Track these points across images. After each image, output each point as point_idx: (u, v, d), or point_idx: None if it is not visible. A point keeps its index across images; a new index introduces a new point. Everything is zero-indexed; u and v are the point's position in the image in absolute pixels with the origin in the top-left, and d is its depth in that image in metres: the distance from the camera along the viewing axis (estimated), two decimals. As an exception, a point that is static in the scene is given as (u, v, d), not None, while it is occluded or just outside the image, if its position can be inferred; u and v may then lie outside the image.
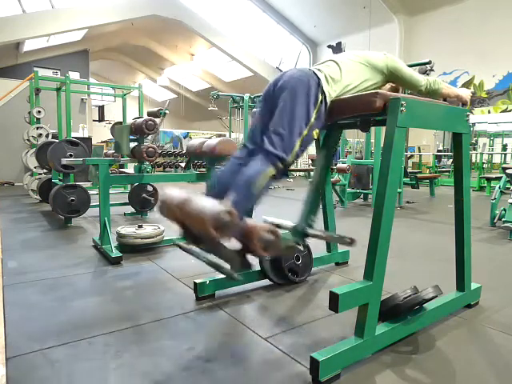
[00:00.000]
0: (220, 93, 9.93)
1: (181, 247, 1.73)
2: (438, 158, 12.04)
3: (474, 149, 10.32)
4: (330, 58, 1.81)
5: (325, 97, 1.62)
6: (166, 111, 7.57)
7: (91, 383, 1.32)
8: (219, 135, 15.19)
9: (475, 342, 1.63)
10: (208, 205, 1.36)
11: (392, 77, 1.82)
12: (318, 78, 1.62)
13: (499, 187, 4.14)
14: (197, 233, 1.43)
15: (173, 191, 1.48)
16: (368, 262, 1.44)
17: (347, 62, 1.76)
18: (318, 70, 1.68)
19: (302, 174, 12.70)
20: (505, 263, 2.86)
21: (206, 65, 21.18)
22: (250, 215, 1.84)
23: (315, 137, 1.62)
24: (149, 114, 4.11)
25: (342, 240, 1.94)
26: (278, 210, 5.52)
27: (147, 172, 4.73)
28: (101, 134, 15.40)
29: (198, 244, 1.54)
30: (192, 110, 25.24)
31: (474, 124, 10.90)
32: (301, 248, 2.36)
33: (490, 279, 2.37)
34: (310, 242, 2.43)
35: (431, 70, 4.60)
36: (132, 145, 3.39)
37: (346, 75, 1.69)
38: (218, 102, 10.50)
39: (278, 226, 2.03)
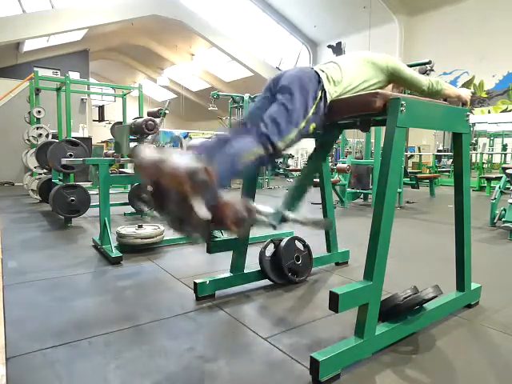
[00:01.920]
0: (220, 93, 9.93)
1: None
2: (438, 157, 12.03)
3: (474, 149, 10.32)
4: (331, 60, 1.81)
5: (325, 94, 1.62)
6: (166, 111, 7.56)
7: (91, 383, 1.32)
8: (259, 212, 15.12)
9: (475, 342, 1.63)
10: (186, 160, 1.27)
11: (393, 77, 1.83)
12: (319, 76, 1.63)
13: (499, 187, 4.14)
14: (169, 193, 1.30)
15: (150, 150, 1.36)
16: (368, 262, 1.44)
17: (348, 63, 1.76)
18: (321, 70, 1.68)
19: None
20: (505, 263, 2.86)
21: (205, 65, 21.18)
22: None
23: (311, 131, 1.60)
24: (149, 114, 4.11)
25: (318, 223, 1.91)
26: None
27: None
28: (101, 134, 15.39)
29: (166, 208, 1.38)
30: (192, 110, 25.24)
31: (474, 124, 10.90)
32: (301, 249, 2.36)
33: (490, 279, 2.37)
34: (310, 242, 2.43)
35: (431, 69, 4.60)
36: (132, 145, 3.39)
37: (347, 76, 1.70)
38: (218, 102, 10.49)
39: (259, 211, 1.87)
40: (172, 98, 24.19)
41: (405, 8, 14.57)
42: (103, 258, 2.84)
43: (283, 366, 1.42)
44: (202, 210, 1.26)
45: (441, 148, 14.10)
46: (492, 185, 7.12)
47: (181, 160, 1.26)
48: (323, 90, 1.61)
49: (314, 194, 6.16)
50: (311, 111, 1.57)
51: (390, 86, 1.98)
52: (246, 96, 8.99)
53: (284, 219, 2.03)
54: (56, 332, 1.66)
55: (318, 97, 1.60)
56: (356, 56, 1.81)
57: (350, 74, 1.71)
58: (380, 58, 1.80)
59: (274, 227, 2.06)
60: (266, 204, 1.81)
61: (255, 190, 2.14)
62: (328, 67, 1.72)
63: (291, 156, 12.62)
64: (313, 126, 1.59)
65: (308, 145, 6.01)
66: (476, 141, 11.09)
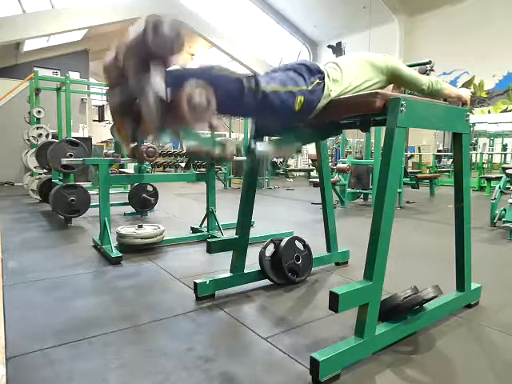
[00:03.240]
0: (220, 93, 9.90)
1: None
2: (438, 157, 12.04)
3: (474, 149, 10.32)
4: (331, 60, 1.82)
5: (323, 87, 1.61)
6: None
7: (91, 383, 1.32)
8: (219, 135, 15.18)
9: (475, 342, 1.63)
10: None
11: (392, 77, 1.83)
12: (322, 71, 1.63)
13: (499, 187, 4.14)
14: (129, 62, 1.17)
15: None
16: (368, 262, 1.44)
17: (347, 63, 1.76)
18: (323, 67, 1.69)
19: (301, 174, 12.70)
20: (505, 263, 2.86)
21: (203, 62, 21.17)
22: (250, 216, 1.79)
23: (297, 105, 1.51)
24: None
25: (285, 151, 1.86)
26: (278, 210, 5.52)
27: (147, 172, 4.73)
28: (101, 134, 15.38)
29: (120, 85, 1.23)
30: (192, 110, 25.20)
31: (474, 124, 10.90)
32: (302, 249, 2.36)
33: (490, 279, 2.37)
34: (310, 242, 2.43)
35: (431, 69, 4.60)
36: (132, 145, 3.38)
37: (346, 76, 1.70)
38: (218, 102, 10.47)
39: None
40: (172, 98, 24.14)
41: (405, 8, 14.58)
42: (103, 257, 2.84)
43: (283, 366, 1.42)
44: (158, 84, 1.13)
45: (441, 148, 14.11)
46: (492, 185, 7.12)
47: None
48: (323, 81, 1.61)
49: (314, 194, 6.17)
50: (305, 86, 1.54)
51: (391, 87, 1.98)
52: (246, 96, 8.97)
53: (252, 149, 1.89)
54: (56, 332, 1.66)
55: (316, 82, 1.58)
56: (355, 57, 1.81)
57: (349, 74, 1.71)
58: (379, 59, 1.80)
59: (236, 154, 1.98)
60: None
61: (255, 190, 2.14)
62: (327, 67, 1.72)
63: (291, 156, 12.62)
64: (300, 98, 1.51)
65: (308, 145, 6.01)
66: (476, 141, 11.08)
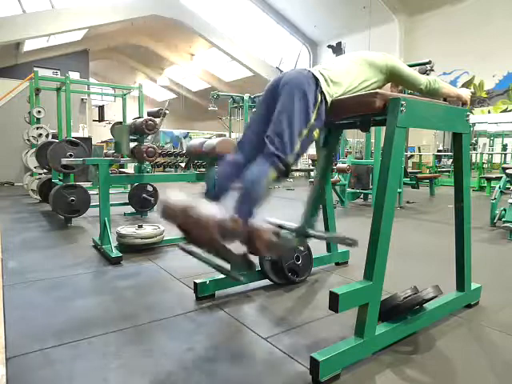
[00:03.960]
0: (220, 93, 9.93)
1: (184, 249, 1.72)
2: (438, 157, 12.04)
3: (474, 149, 10.31)
4: (330, 60, 1.82)
5: (324, 97, 1.61)
6: (166, 111, 7.54)
7: (91, 383, 1.32)
8: (219, 135, 15.19)
9: (475, 342, 1.63)
10: (212, 211, 1.38)
11: (392, 76, 1.82)
12: (317, 79, 1.62)
13: (499, 187, 4.14)
14: (200, 238, 1.45)
15: (175, 195, 1.50)
16: (368, 262, 1.44)
17: (347, 63, 1.76)
18: (319, 72, 1.67)
19: (302, 174, 12.70)
20: (505, 263, 2.86)
21: (205, 65, 21.19)
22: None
23: (316, 137, 1.61)
24: (149, 114, 4.11)
25: (343, 241, 1.94)
26: (278, 210, 5.52)
27: (147, 172, 4.73)
28: (101, 134, 15.39)
29: (201, 247, 1.55)
30: (192, 110, 25.24)
31: (474, 124, 10.90)
32: (301, 249, 2.36)
33: (490, 279, 2.37)
34: (310, 242, 2.43)
35: (431, 69, 4.60)
36: (132, 145, 3.38)
37: (346, 76, 1.70)
38: (218, 102, 10.49)
39: (281, 226, 2.03)
40: (172, 97, 24.21)
41: (405, 8, 14.58)
42: (103, 258, 2.84)
43: (283, 366, 1.42)
44: (233, 246, 1.38)
45: (441, 148, 14.11)
46: (492, 185, 7.12)
47: (208, 210, 1.39)
48: (322, 93, 1.61)
49: (314, 194, 6.16)
50: (313, 117, 1.57)
51: (389, 85, 1.98)
52: (246, 96, 8.99)
53: (307, 236, 2.10)
54: (56, 332, 1.66)
55: (319, 101, 1.59)
56: (355, 56, 1.81)
57: (350, 74, 1.71)
58: (379, 58, 1.79)
59: (301, 245, 2.21)
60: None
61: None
62: (326, 68, 1.72)
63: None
64: (316, 132, 1.60)
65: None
66: (476, 141, 11.08)
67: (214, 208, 1.41)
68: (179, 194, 1.50)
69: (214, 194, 1.62)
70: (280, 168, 1.50)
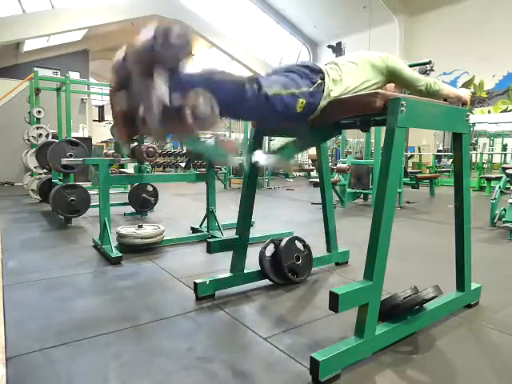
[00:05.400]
0: (220, 93, 9.90)
1: None
2: (438, 158, 12.04)
3: (474, 149, 10.32)
4: (331, 61, 1.81)
5: (324, 88, 1.61)
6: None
7: (91, 383, 1.32)
8: (219, 135, 15.18)
9: (475, 342, 1.63)
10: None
11: (392, 77, 1.83)
12: (323, 71, 1.63)
13: (499, 187, 4.14)
14: (134, 65, 1.22)
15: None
16: (368, 262, 1.44)
17: (347, 64, 1.76)
18: (323, 67, 1.69)
19: (302, 174, 12.70)
20: (505, 263, 2.86)
21: (205, 65, 21.18)
22: (249, 216, 1.80)
23: (298, 107, 1.52)
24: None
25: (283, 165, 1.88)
26: (277, 210, 5.52)
27: (147, 172, 4.73)
28: (101, 134, 15.38)
29: (126, 86, 1.25)
30: (192, 110, 25.21)
31: (474, 124, 10.91)
32: (302, 249, 2.36)
33: (490, 279, 2.37)
34: (310, 242, 2.43)
35: (431, 69, 4.60)
36: (132, 145, 3.39)
37: (346, 77, 1.70)
38: (218, 102, 10.46)
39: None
40: (172, 98, 24.14)
41: (405, 8, 14.58)
42: (103, 258, 2.84)
43: (283, 366, 1.42)
44: (162, 90, 1.16)
45: (441, 148, 14.11)
46: (492, 185, 7.12)
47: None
48: (323, 82, 1.61)
49: (314, 194, 6.17)
50: (306, 88, 1.54)
51: (392, 85, 1.98)
52: (246, 96, 8.97)
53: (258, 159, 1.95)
54: (56, 332, 1.66)
55: (317, 83, 1.58)
56: (356, 57, 1.81)
57: (350, 74, 1.71)
58: (380, 59, 1.79)
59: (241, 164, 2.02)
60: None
61: (255, 190, 2.14)
62: (327, 67, 1.72)
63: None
64: (301, 100, 1.52)
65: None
66: (476, 141, 11.09)
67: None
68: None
69: None
70: (252, 85, 1.38)
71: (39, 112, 6.09)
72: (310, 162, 13.06)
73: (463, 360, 1.48)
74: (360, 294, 1.38)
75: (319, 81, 1.59)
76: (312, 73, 1.59)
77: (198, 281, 2.02)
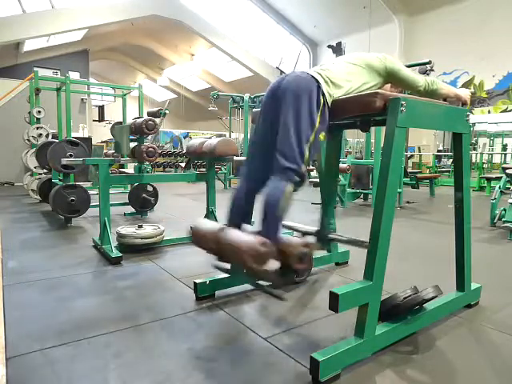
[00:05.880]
0: (220, 93, 9.92)
1: (218, 268, 1.81)
2: (438, 157, 12.04)
3: (474, 149, 10.32)
4: (329, 61, 1.81)
5: (326, 99, 1.62)
6: (166, 111, 7.55)
7: (91, 383, 1.32)
8: (219, 135, 15.19)
9: (475, 342, 1.63)
10: (243, 238, 1.46)
11: (391, 78, 1.83)
12: (318, 81, 1.62)
13: (499, 187, 4.14)
14: (234, 261, 1.53)
15: (203, 222, 1.59)
16: (368, 262, 1.44)
17: (346, 65, 1.76)
18: (318, 73, 1.67)
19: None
20: (505, 263, 2.86)
21: (205, 65, 21.19)
22: (250, 218, 1.82)
23: (322, 140, 1.63)
24: (149, 114, 4.11)
25: (361, 244, 1.95)
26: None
27: (147, 172, 4.73)
28: (101, 134, 15.39)
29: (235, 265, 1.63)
30: (192, 110, 25.24)
31: (474, 124, 10.90)
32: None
33: (490, 279, 2.37)
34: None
35: (431, 69, 4.59)
36: (132, 145, 3.39)
37: (346, 78, 1.70)
38: (218, 102, 10.49)
39: (304, 233, 2.11)
40: (172, 97, 24.18)
41: (405, 8, 14.57)
42: (103, 258, 2.84)
43: (283, 366, 1.42)
44: (267, 266, 1.43)
45: (441, 148, 14.11)
46: (492, 185, 7.12)
47: (239, 237, 1.47)
48: (324, 95, 1.61)
49: (314, 194, 6.17)
50: (318, 120, 1.58)
51: (388, 85, 1.98)
52: (246, 96, 8.99)
53: (330, 239, 2.18)
54: (56, 332, 1.66)
55: (321, 103, 1.60)
56: (354, 58, 1.81)
57: (349, 76, 1.71)
58: (378, 60, 1.80)
59: (324, 249, 2.33)
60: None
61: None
62: (325, 69, 1.72)
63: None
64: (322, 135, 1.62)
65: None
66: (476, 141, 11.09)
67: (244, 234, 1.49)
68: (208, 221, 1.59)
69: (234, 217, 1.72)
70: (295, 180, 1.55)
71: (39, 112, 6.09)
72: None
73: (463, 360, 1.48)
74: (360, 294, 1.38)
75: (321, 101, 1.60)
76: (314, 99, 1.59)
77: (197, 281, 2.02)
